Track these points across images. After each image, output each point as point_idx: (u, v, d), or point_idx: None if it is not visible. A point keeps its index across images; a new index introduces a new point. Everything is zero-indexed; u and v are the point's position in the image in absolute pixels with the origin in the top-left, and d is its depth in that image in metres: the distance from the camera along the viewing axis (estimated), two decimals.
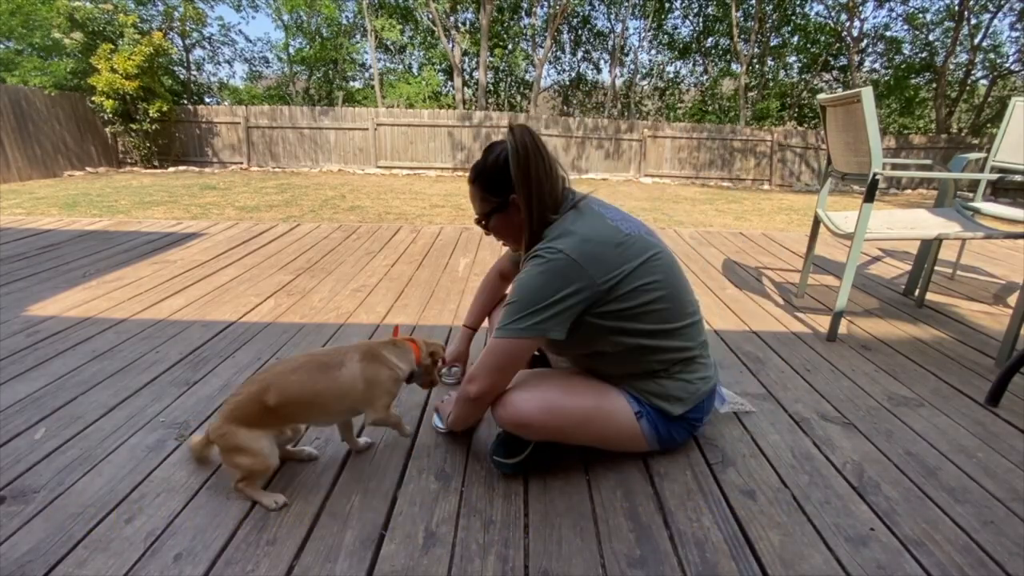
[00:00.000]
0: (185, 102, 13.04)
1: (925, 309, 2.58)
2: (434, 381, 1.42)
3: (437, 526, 1.13)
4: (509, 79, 18.43)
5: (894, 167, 5.63)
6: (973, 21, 13.82)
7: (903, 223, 2.22)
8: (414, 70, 17.82)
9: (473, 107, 14.83)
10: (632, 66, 18.50)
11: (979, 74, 15.23)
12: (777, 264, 3.45)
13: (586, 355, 1.26)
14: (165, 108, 10.27)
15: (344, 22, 16.63)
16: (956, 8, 13.58)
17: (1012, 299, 2.77)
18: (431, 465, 1.33)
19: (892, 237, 2.14)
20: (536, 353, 1.66)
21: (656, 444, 1.30)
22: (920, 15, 15.03)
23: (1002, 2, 13.40)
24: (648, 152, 11.81)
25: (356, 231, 4.20)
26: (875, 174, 1.95)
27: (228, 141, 11.36)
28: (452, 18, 15.52)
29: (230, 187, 7.79)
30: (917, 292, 2.65)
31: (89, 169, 10.00)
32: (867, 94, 1.92)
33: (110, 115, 9.98)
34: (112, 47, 9.74)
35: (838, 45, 15.90)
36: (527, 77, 17.97)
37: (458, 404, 1.26)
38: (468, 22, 16.40)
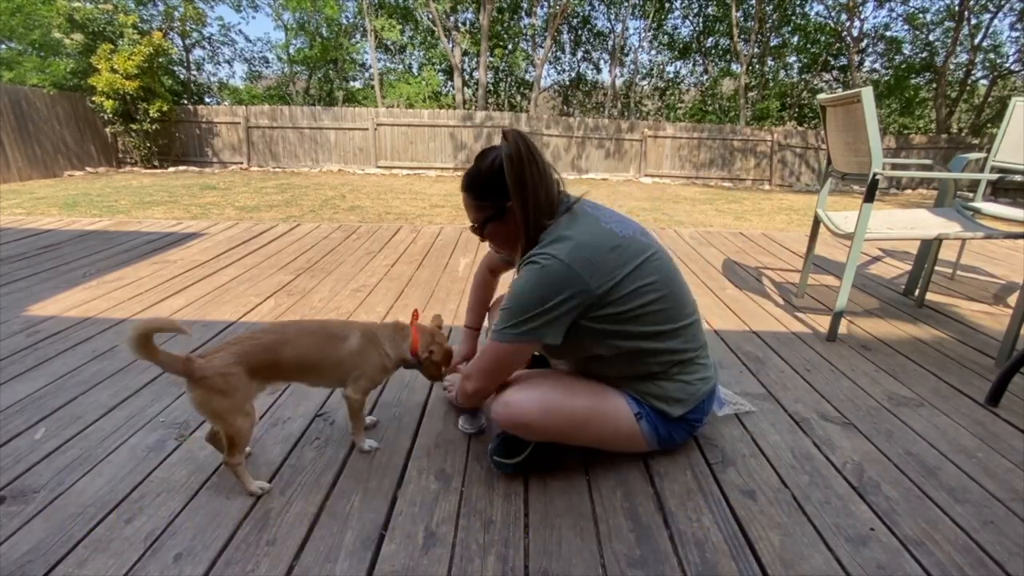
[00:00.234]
0: (185, 102, 13.04)
1: (925, 309, 2.58)
2: (434, 376, 1.43)
3: (437, 526, 1.13)
4: (509, 79, 18.43)
5: (894, 167, 5.63)
6: (973, 21, 13.83)
7: (903, 223, 2.22)
8: (414, 70, 17.82)
9: (473, 107, 14.83)
10: (632, 66, 18.52)
11: (979, 74, 15.24)
12: (777, 264, 3.45)
13: (584, 358, 1.26)
14: (165, 108, 10.27)
15: (344, 22, 16.64)
16: (956, 8, 13.58)
17: (1012, 299, 2.77)
18: (431, 465, 1.33)
19: (892, 237, 2.14)
20: (536, 353, 1.66)
21: (656, 444, 1.30)
22: (920, 15, 15.04)
23: (1002, 2, 13.41)
24: (648, 152, 11.81)
25: (356, 231, 4.20)
26: (875, 174, 1.95)
27: (228, 141, 11.36)
28: (452, 18, 15.52)
29: (230, 187, 7.79)
30: (917, 292, 2.65)
31: (89, 169, 10.00)
32: (867, 94, 1.92)
33: (110, 115, 9.98)
34: (112, 47, 9.74)
35: (838, 45, 15.90)
36: (527, 77, 17.97)
37: (460, 393, 1.31)
38: (468, 22, 16.41)
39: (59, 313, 2.32)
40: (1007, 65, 15.05)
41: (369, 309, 2.47)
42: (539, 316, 1.10)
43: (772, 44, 16.67)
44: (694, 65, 18.70)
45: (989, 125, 14.45)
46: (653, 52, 18.86)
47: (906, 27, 15.44)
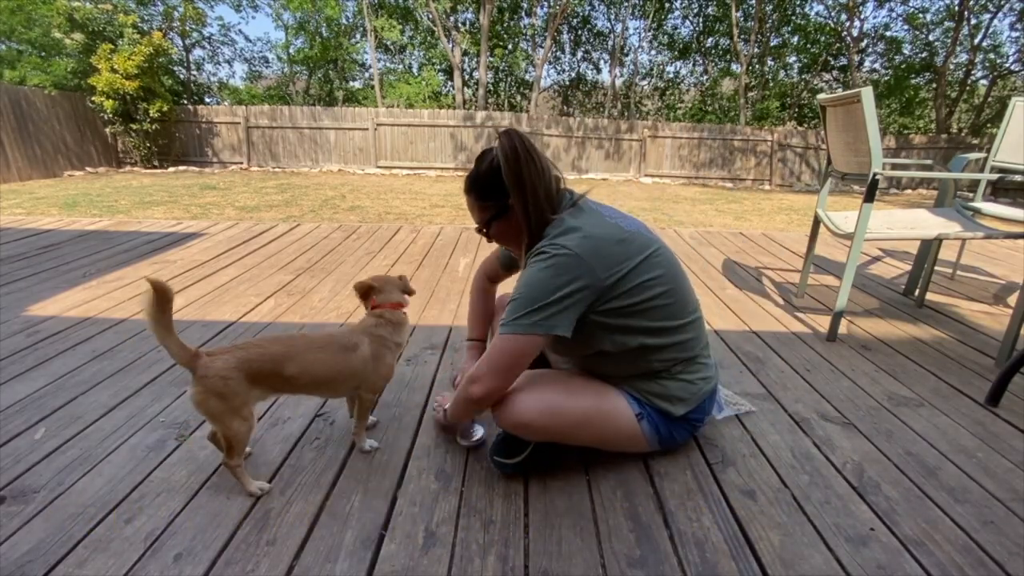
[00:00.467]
0: (185, 102, 13.04)
1: (925, 309, 2.58)
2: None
3: (437, 526, 1.13)
4: (509, 79, 18.43)
5: (894, 167, 5.63)
6: (973, 21, 13.82)
7: (903, 223, 2.22)
8: (414, 70, 17.82)
9: (473, 107, 14.83)
10: (632, 66, 18.51)
11: (979, 74, 15.24)
12: (777, 264, 3.45)
13: (589, 355, 1.26)
14: (165, 108, 10.27)
15: (344, 22, 16.63)
16: (956, 8, 13.58)
17: (1012, 299, 2.76)
18: (431, 465, 1.33)
19: (892, 237, 2.14)
20: None
21: (657, 444, 1.30)
22: (920, 15, 15.03)
23: (1002, 2, 13.40)
24: (648, 152, 11.81)
25: (356, 231, 4.20)
26: (875, 174, 1.95)
27: (228, 141, 11.36)
28: (452, 18, 15.52)
29: (230, 187, 7.79)
30: (917, 292, 2.65)
31: (89, 169, 10.00)
32: (867, 94, 1.92)
33: (110, 115, 9.98)
34: (112, 47, 9.74)
35: (838, 45, 15.90)
36: (527, 77, 17.97)
37: (459, 403, 1.24)
38: (468, 22, 16.41)
39: (59, 313, 2.32)
40: (1007, 65, 15.05)
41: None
42: (550, 306, 1.09)
43: (772, 44, 16.66)
44: (694, 65, 18.70)
45: (989, 125, 14.44)
46: (653, 52, 18.87)
47: (906, 27, 15.44)
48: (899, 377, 1.86)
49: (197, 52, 15.81)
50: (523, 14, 16.87)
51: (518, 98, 18.57)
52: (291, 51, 16.90)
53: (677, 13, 17.76)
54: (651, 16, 17.14)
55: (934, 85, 14.96)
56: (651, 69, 19.01)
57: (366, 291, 1.45)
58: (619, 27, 17.39)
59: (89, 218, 4.69)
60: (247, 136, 11.28)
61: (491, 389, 1.15)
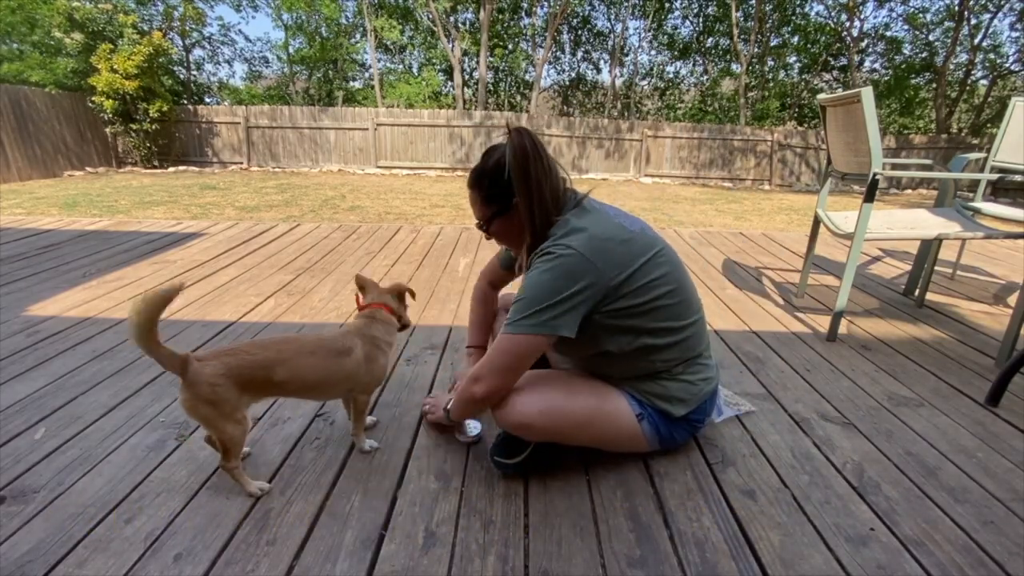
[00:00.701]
0: (185, 102, 13.04)
1: (925, 309, 2.58)
2: (406, 323, 1.52)
3: (437, 526, 1.13)
4: (509, 79, 18.43)
5: (894, 167, 5.63)
6: (973, 21, 13.82)
7: (903, 223, 2.22)
8: (414, 70, 17.82)
9: (473, 107, 14.83)
10: (632, 66, 18.51)
11: (979, 74, 15.24)
12: (777, 264, 3.45)
13: (592, 356, 1.26)
14: (165, 108, 10.27)
15: (344, 22, 16.63)
16: (956, 8, 13.58)
17: (1012, 299, 2.77)
18: (431, 465, 1.33)
19: (892, 237, 2.14)
20: None
21: (657, 444, 1.30)
22: (920, 15, 15.03)
23: (1002, 2, 13.40)
24: (648, 152, 11.80)
25: (356, 231, 4.20)
26: (875, 174, 1.95)
27: (228, 141, 11.36)
28: (452, 18, 15.52)
29: (230, 187, 7.79)
30: (917, 292, 2.65)
31: (89, 169, 10.00)
32: (867, 94, 1.92)
33: (110, 115, 9.98)
34: (112, 47, 9.74)
35: (838, 45, 15.90)
36: (527, 77, 17.97)
37: (461, 402, 1.22)
38: (468, 22, 16.41)
39: (59, 313, 2.32)
40: (1007, 65, 15.05)
41: None
42: (555, 306, 1.08)
43: (772, 44, 16.66)
44: (694, 65, 18.71)
45: (989, 125, 14.44)
46: (653, 52, 18.88)
47: (906, 27, 15.44)
48: (899, 377, 1.86)
49: (197, 52, 15.84)
50: (523, 14, 16.87)
51: (518, 98, 18.57)
52: (291, 51, 16.90)
53: (677, 13, 17.77)
54: (651, 16, 17.15)
55: (934, 85, 14.96)
56: (651, 69, 19.02)
57: (360, 288, 1.48)
58: (619, 27, 17.40)
59: (89, 218, 4.69)
60: (247, 136, 11.28)
61: (493, 388, 1.15)
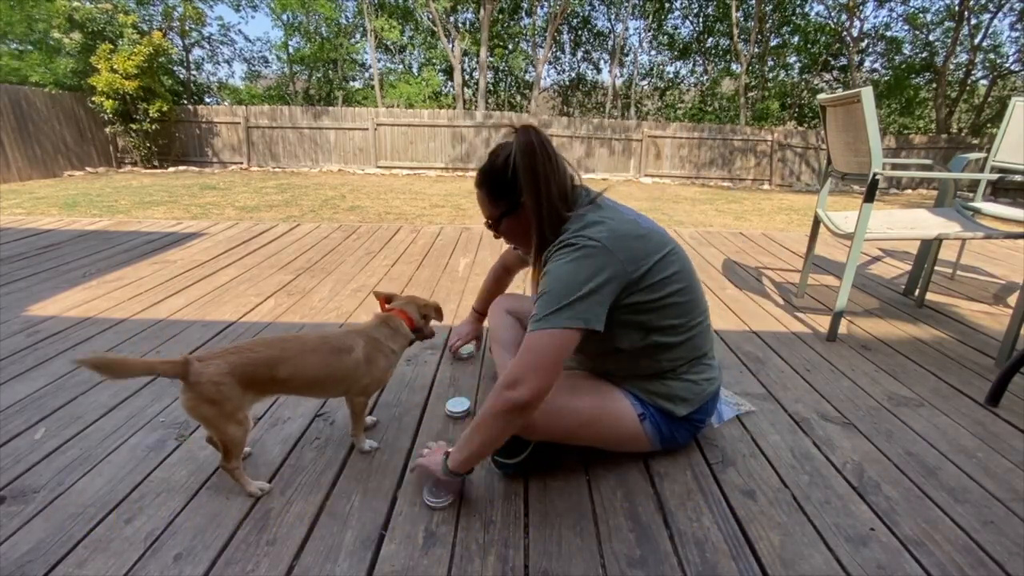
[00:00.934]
0: (185, 102, 13.03)
1: (925, 309, 2.58)
2: (428, 334, 1.50)
3: (437, 526, 1.13)
4: (509, 79, 18.44)
5: (894, 167, 5.63)
6: (973, 21, 13.82)
7: (903, 223, 2.22)
8: (414, 70, 17.82)
9: (473, 107, 14.83)
10: (632, 66, 18.51)
11: (979, 74, 15.24)
12: (777, 264, 3.45)
13: (601, 353, 1.25)
14: (165, 108, 10.27)
15: (344, 22, 16.63)
16: (956, 8, 13.58)
17: (1012, 299, 2.76)
18: None
19: (892, 237, 2.14)
20: None
21: (659, 445, 1.30)
22: (920, 15, 15.04)
23: (1002, 2, 13.40)
24: (648, 152, 11.80)
25: (356, 231, 4.20)
26: (875, 174, 1.95)
27: (228, 141, 11.36)
28: (452, 18, 15.52)
29: (230, 187, 7.79)
30: (917, 292, 2.65)
31: (89, 169, 10.00)
32: (867, 94, 1.92)
33: (110, 115, 9.98)
34: (112, 47, 9.74)
35: (838, 45, 15.90)
36: (527, 77, 17.97)
37: (493, 420, 1.07)
38: (468, 22, 16.41)
39: (59, 313, 2.32)
40: (1007, 65, 15.05)
41: (369, 309, 2.47)
42: (584, 299, 1.05)
43: (772, 44, 16.67)
44: (694, 65, 18.71)
45: (989, 125, 14.45)
46: (653, 52, 18.88)
47: (906, 27, 15.44)
48: (899, 377, 1.86)
49: (197, 52, 15.83)
50: (523, 14, 16.87)
51: (518, 98, 18.58)
52: (290, 51, 16.91)
53: (677, 13, 17.77)
54: (651, 16, 17.15)
55: (934, 85, 14.96)
56: (651, 69, 19.02)
57: (387, 299, 1.49)
58: (619, 27, 17.40)
59: (89, 218, 4.68)
60: (247, 136, 11.28)
61: (538, 389, 1.03)
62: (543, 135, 1.14)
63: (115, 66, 9.58)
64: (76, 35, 10.01)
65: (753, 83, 16.76)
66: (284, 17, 16.20)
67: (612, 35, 17.78)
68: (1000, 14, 13.81)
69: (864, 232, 2.03)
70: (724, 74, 17.92)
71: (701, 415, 1.29)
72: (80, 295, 2.56)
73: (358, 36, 17.02)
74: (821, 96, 2.36)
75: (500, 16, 16.12)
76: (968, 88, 15.32)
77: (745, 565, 1.04)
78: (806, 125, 16.65)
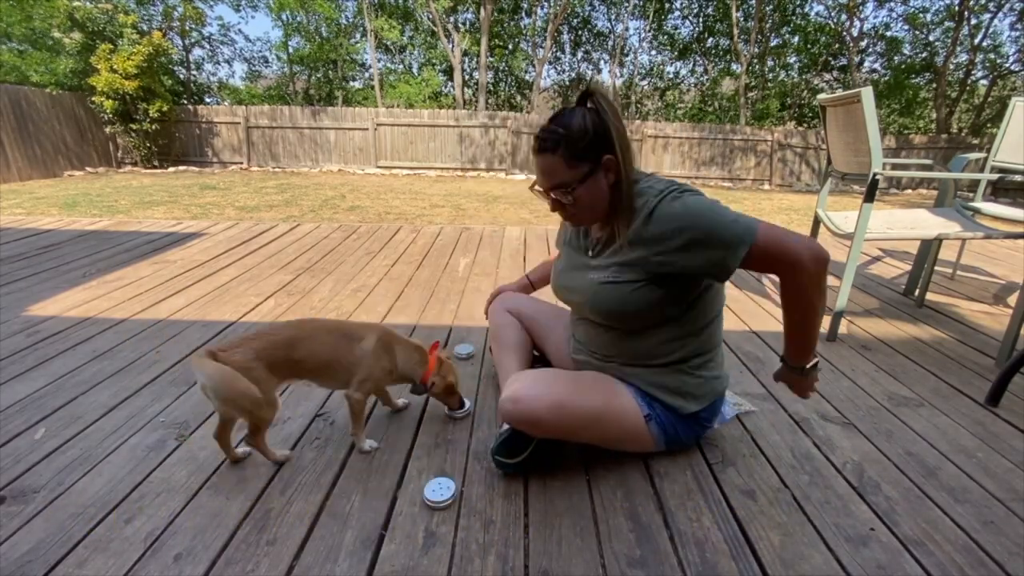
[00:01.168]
0: (185, 102, 13.03)
1: (925, 309, 2.58)
2: (442, 400, 1.50)
3: (437, 526, 1.13)
4: (509, 79, 18.43)
5: (894, 167, 5.63)
6: (973, 21, 13.81)
7: (903, 223, 2.22)
8: (414, 70, 17.81)
9: (473, 107, 14.83)
10: (632, 66, 18.51)
11: (979, 74, 15.22)
12: None
13: (633, 332, 1.24)
14: (165, 108, 10.26)
15: (344, 22, 16.62)
16: (956, 8, 13.58)
17: (1012, 299, 2.76)
18: (431, 465, 1.33)
19: (892, 237, 2.14)
20: (535, 353, 1.66)
21: (663, 445, 1.30)
22: (920, 15, 15.03)
23: (1002, 2, 13.40)
24: (648, 152, 11.80)
25: (356, 231, 4.20)
26: (875, 174, 1.95)
27: (228, 141, 11.36)
28: (452, 18, 15.51)
29: (230, 187, 7.79)
30: (917, 292, 2.65)
31: (89, 169, 10.00)
32: (867, 94, 1.91)
33: (110, 115, 9.97)
34: (112, 47, 9.74)
35: (838, 45, 15.89)
36: (527, 77, 17.97)
37: (816, 288, 1.06)
38: (468, 22, 16.41)
39: (59, 313, 2.32)
40: (1007, 65, 15.03)
41: (369, 309, 2.47)
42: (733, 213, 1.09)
43: (772, 44, 16.66)
44: (694, 65, 18.70)
45: (989, 125, 14.44)
46: (653, 52, 18.87)
47: (906, 27, 15.44)
48: (899, 377, 1.86)
49: (197, 52, 15.81)
50: (523, 14, 16.87)
51: (518, 98, 18.57)
52: (290, 51, 16.90)
53: (677, 13, 17.77)
54: (651, 16, 17.14)
55: (934, 85, 14.95)
56: (651, 69, 19.01)
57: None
58: (619, 27, 17.40)
59: (89, 218, 4.69)
60: (247, 136, 11.28)
61: (809, 242, 1.05)
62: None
63: (115, 66, 9.57)
64: (76, 35, 10.01)
65: (753, 83, 16.76)
66: (284, 17, 16.19)
67: (612, 35, 17.78)
68: (1000, 14, 13.81)
69: (864, 232, 2.03)
70: (724, 74, 17.91)
71: (708, 413, 1.30)
72: (80, 295, 2.56)
73: (358, 36, 17.01)
74: (821, 96, 2.36)
75: (500, 16, 16.11)
76: (968, 88, 15.31)
77: (745, 565, 1.04)
78: (806, 125, 16.65)
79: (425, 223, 5.00)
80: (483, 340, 2.06)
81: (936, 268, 2.93)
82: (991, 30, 14.88)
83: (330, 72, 17.42)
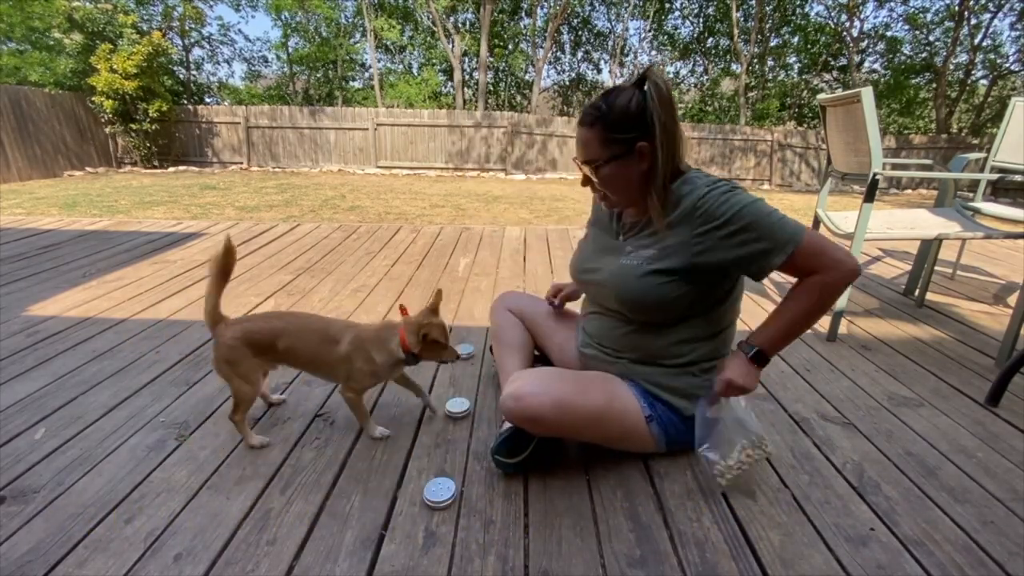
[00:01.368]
0: (185, 102, 13.04)
1: (925, 309, 2.58)
2: (444, 358, 1.41)
3: (437, 526, 1.13)
4: (509, 79, 18.43)
5: (894, 167, 5.63)
6: (973, 21, 13.83)
7: (903, 223, 2.22)
8: (414, 70, 17.82)
9: (473, 107, 14.83)
10: (632, 66, 18.50)
11: (979, 74, 15.24)
12: None
13: (652, 326, 1.23)
14: (165, 108, 10.27)
15: (343, 22, 16.63)
16: (956, 8, 13.58)
17: (1012, 299, 2.76)
18: (431, 465, 1.33)
19: (892, 237, 2.14)
20: (536, 353, 1.66)
21: (664, 446, 1.30)
22: (920, 15, 15.03)
23: (1002, 2, 13.40)
24: None
25: (356, 231, 4.20)
26: (875, 174, 1.95)
27: (228, 141, 11.36)
28: (452, 18, 15.52)
29: (230, 187, 7.79)
30: (917, 292, 2.65)
31: (89, 169, 10.00)
32: (867, 94, 1.91)
33: (110, 115, 9.98)
34: (111, 47, 9.74)
35: (838, 45, 15.90)
36: (527, 77, 17.97)
37: (833, 293, 1.11)
38: (468, 22, 16.41)
39: (59, 313, 2.32)
40: (1007, 65, 15.05)
41: (369, 309, 2.47)
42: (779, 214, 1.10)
43: (772, 44, 16.67)
44: (694, 65, 18.71)
45: (989, 125, 14.45)
46: (653, 52, 18.87)
47: (906, 27, 15.44)
48: (899, 377, 1.86)
49: (197, 52, 15.83)
50: (523, 14, 16.87)
51: (518, 98, 18.58)
52: (289, 50, 16.90)
53: (677, 13, 17.77)
54: (651, 16, 17.14)
55: (934, 85, 14.96)
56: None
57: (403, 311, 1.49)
58: (619, 27, 17.40)
59: (89, 218, 4.69)
60: (247, 136, 11.28)
61: (843, 254, 1.10)
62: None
63: (115, 66, 9.57)
64: (76, 35, 10.01)
65: (753, 83, 16.76)
66: (283, 17, 16.19)
67: (612, 35, 17.79)
68: (1000, 14, 13.82)
69: (864, 232, 2.03)
70: (724, 74, 17.92)
71: None
72: (80, 295, 2.56)
73: (358, 36, 17.02)
74: (821, 96, 2.36)
75: (500, 16, 16.12)
76: (968, 88, 15.32)
77: (745, 565, 1.04)
78: (806, 125, 16.65)
79: (425, 223, 5.00)
80: (483, 340, 2.06)
81: (936, 268, 2.93)
82: (991, 30, 14.90)
83: (330, 72, 17.42)
